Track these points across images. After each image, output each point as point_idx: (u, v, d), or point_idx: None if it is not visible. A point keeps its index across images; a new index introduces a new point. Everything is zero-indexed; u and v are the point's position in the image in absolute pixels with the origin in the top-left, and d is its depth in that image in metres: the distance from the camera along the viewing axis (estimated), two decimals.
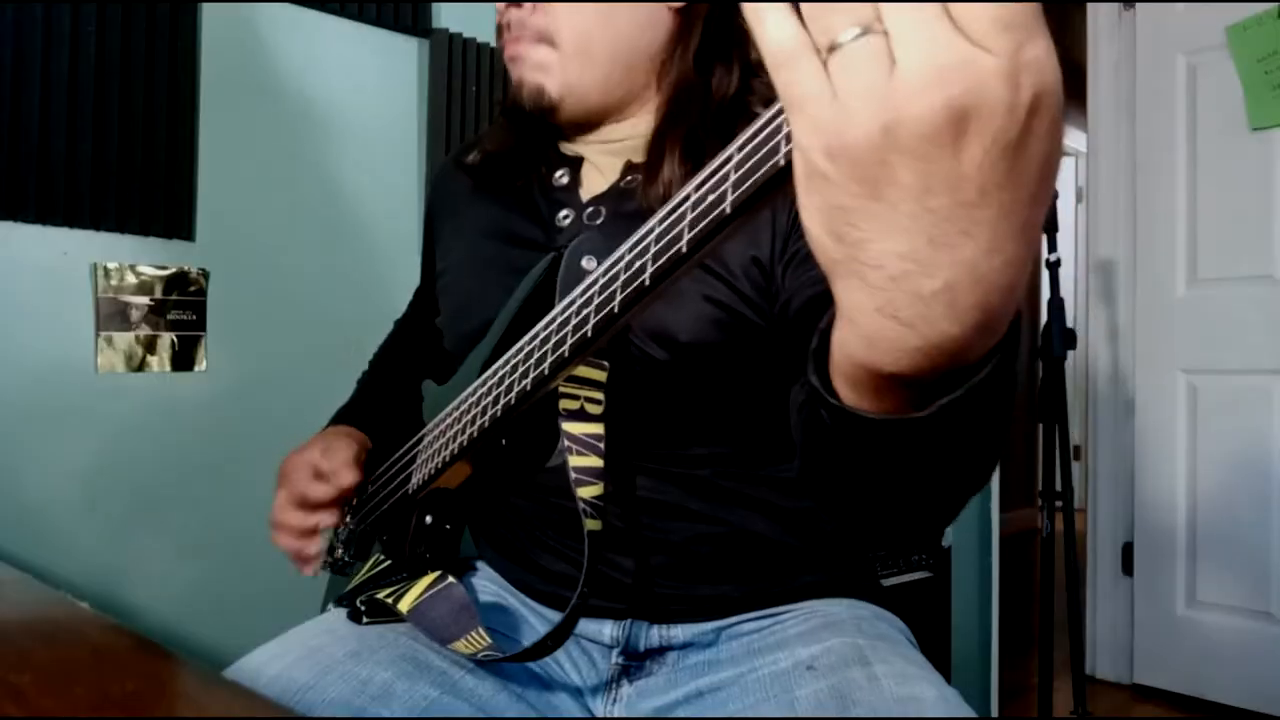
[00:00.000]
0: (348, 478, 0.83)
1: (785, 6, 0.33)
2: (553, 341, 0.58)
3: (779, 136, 0.38)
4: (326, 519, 0.85)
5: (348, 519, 0.86)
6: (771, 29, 0.33)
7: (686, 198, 0.45)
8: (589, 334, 0.53)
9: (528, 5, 0.75)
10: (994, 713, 2.19)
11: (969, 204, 0.31)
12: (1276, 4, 2.23)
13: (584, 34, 0.74)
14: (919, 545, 1.83)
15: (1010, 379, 0.40)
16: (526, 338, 0.62)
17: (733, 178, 0.41)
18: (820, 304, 0.61)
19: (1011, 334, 0.38)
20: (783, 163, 0.38)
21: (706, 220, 0.43)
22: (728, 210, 0.42)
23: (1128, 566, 2.56)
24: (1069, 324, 1.92)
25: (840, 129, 0.32)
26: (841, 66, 0.31)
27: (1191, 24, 2.41)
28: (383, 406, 0.96)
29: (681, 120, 0.75)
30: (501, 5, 0.77)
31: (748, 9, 0.34)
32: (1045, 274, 1.96)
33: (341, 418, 0.95)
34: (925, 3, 0.30)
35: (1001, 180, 0.31)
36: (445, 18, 1.69)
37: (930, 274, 0.33)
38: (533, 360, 0.60)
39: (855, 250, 0.34)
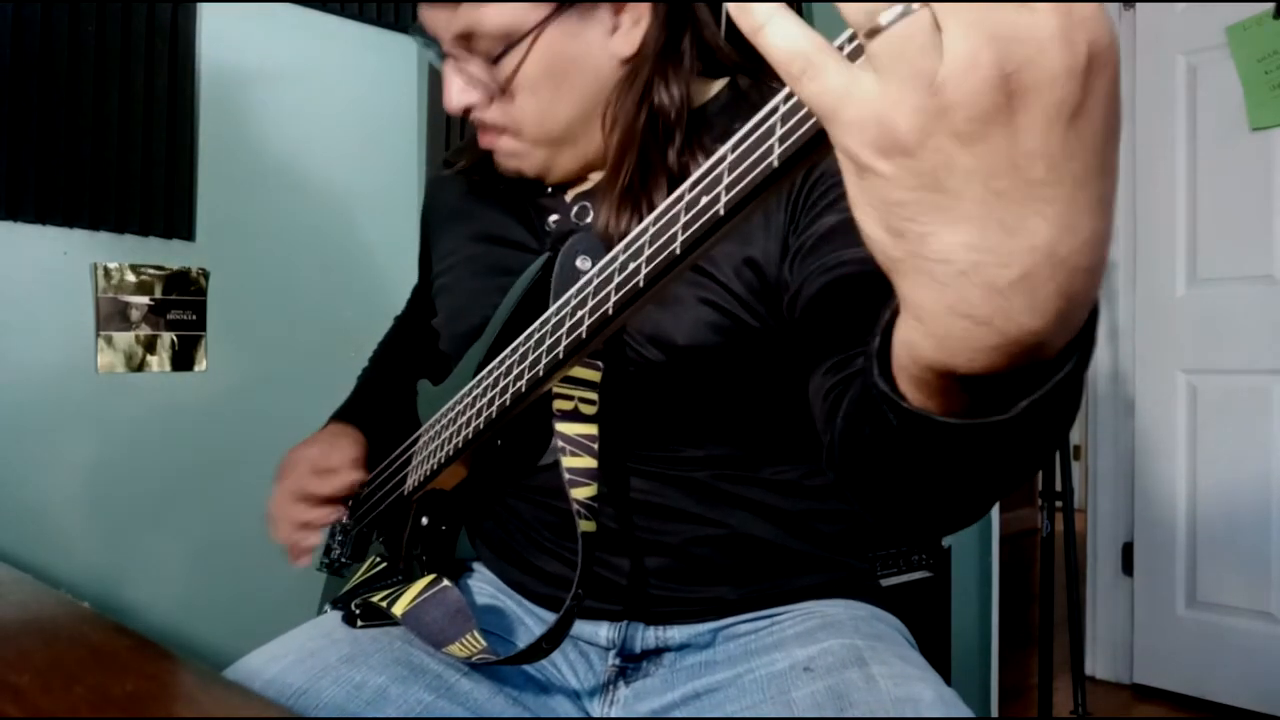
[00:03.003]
0: (352, 475, 0.83)
1: (786, 12, 0.31)
2: (547, 343, 0.58)
3: (772, 139, 0.38)
4: (330, 515, 0.85)
5: (345, 519, 0.86)
6: (780, 39, 0.31)
7: (680, 198, 0.45)
8: (583, 335, 0.53)
9: (486, 104, 0.73)
10: (994, 713, 2.19)
11: (1037, 182, 0.29)
12: (1277, 4, 2.23)
13: (539, 120, 0.73)
14: (919, 545, 1.83)
15: (1084, 371, 0.37)
16: (521, 338, 0.62)
17: (726, 179, 0.41)
18: (833, 291, 0.61)
19: (1089, 323, 0.35)
20: (776, 164, 0.38)
21: (700, 222, 0.43)
22: (721, 212, 0.42)
23: (1128, 566, 2.56)
24: None
25: (888, 121, 0.30)
26: (884, 49, 0.29)
27: (1191, 24, 2.41)
28: (381, 406, 0.96)
29: (617, 176, 0.71)
30: (456, 109, 0.74)
31: (744, 24, 0.32)
32: None
33: (340, 417, 0.95)
34: None
35: (1071, 151, 0.29)
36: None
37: (1005, 264, 0.30)
38: (527, 361, 0.60)
39: (918, 246, 0.31)
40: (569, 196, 0.80)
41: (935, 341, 0.34)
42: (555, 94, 0.72)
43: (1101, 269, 0.32)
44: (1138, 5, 2.53)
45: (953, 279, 0.31)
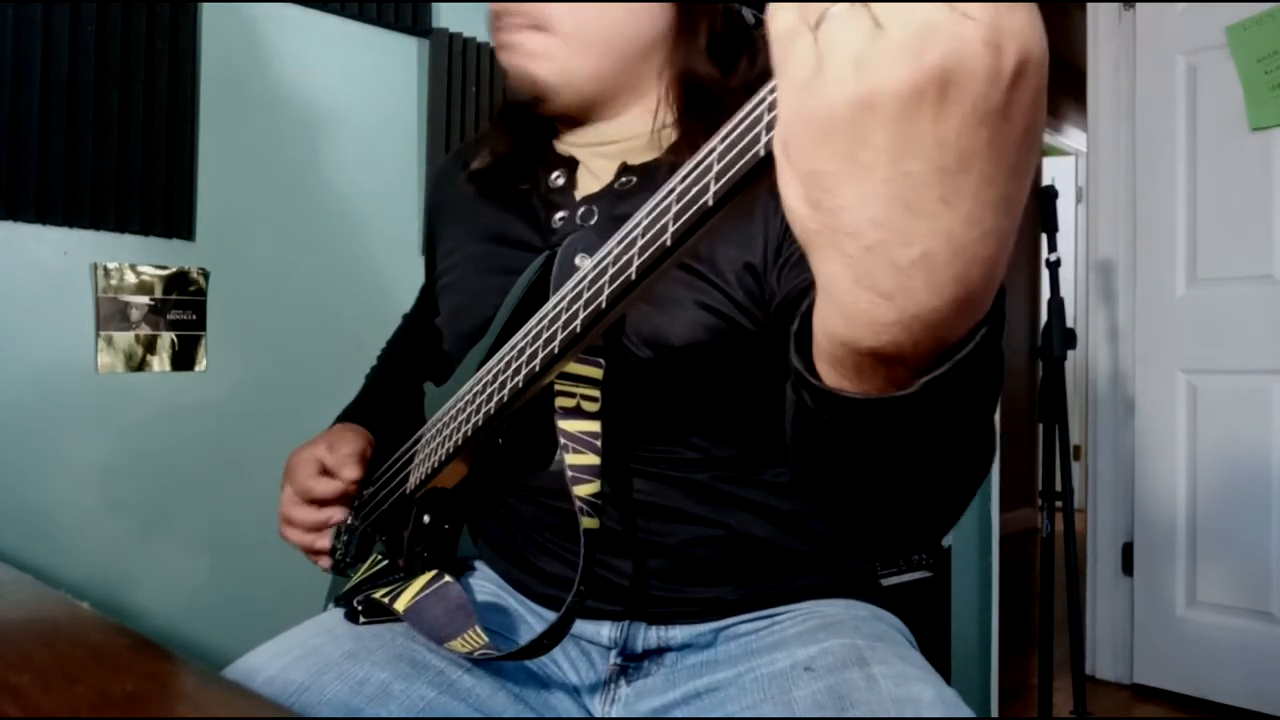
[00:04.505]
0: (351, 472, 0.83)
1: (793, 4, 0.33)
2: (544, 338, 0.58)
3: (759, 127, 0.38)
4: (335, 515, 0.85)
5: (351, 518, 0.86)
6: (777, 20, 0.34)
7: (672, 190, 0.45)
8: (578, 330, 0.53)
9: None
10: (994, 713, 2.19)
11: (948, 171, 0.31)
12: (1276, 4, 2.23)
13: (581, 20, 0.73)
14: (919, 545, 1.83)
15: (996, 359, 0.39)
16: (519, 335, 0.62)
17: (715, 169, 0.41)
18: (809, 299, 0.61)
19: (996, 312, 0.37)
20: (763, 153, 0.38)
21: (690, 213, 0.43)
22: (710, 202, 0.41)
23: (1128, 566, 2.56)
24: (1069, 324, 1.92)
25: (819, 90, 0.31)
26: (826, 31, 0.31)
27: (1191, 24, 2.41)
28: (387, 406, 0.96)
29: (699, 115, 0.74)
30: None
31: (768, 11, 0.34)
32: (1045, 274, 1.96)
33: (347, 416, 0.95)
34: None
35: (982, 148, 0.31)
36: (445, 18, 1.69)
37: (907, 242, 0.32)
38: (524, 357, 0.60)
39: (831, 218, 0.33)
40: (578, 195, 0.80)
41: (844, 316, 0.36)
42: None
43: (1001, 261, 0.34)
44: (1138, 5, 2.53)
45: (860, 254, 0.33)
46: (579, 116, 0.79)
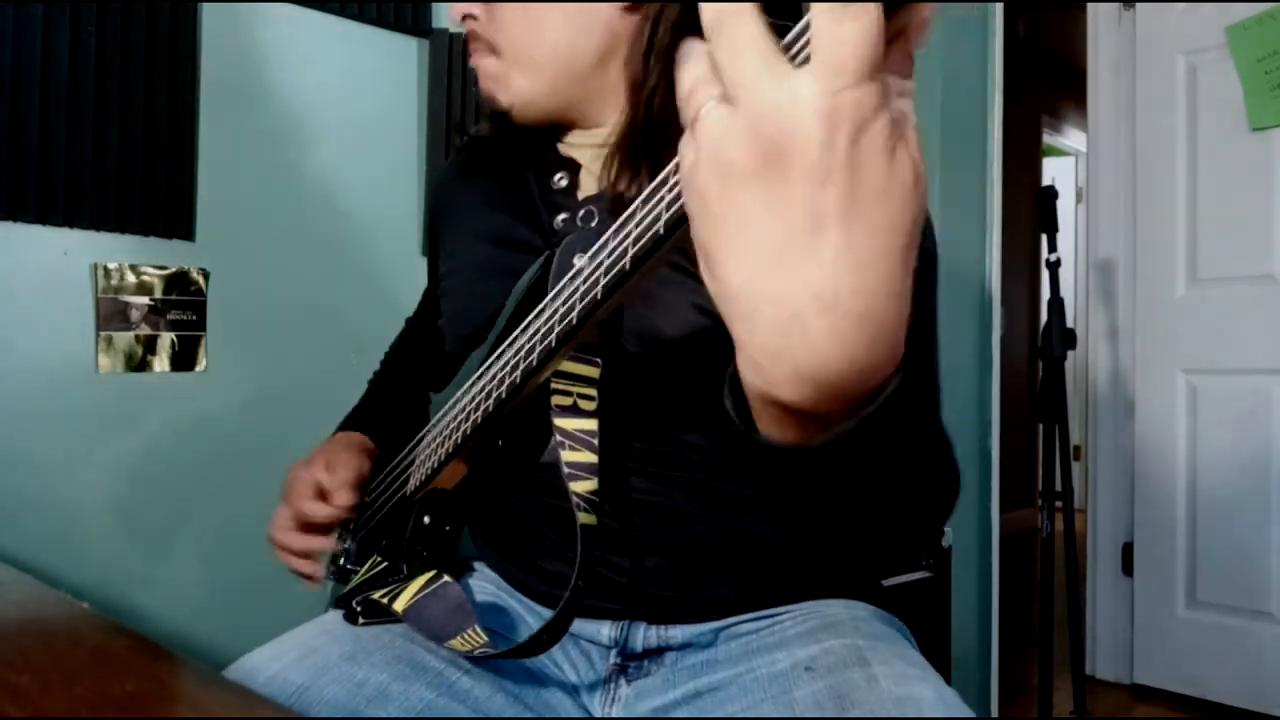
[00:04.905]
0: (345, 499, 0.83)
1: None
2: (540, 333, 0.58)
3: None
4: (324, 544, 0.84)
5: (345, 542, 0.86)
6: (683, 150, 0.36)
7: (665, 180, 0.45)
8: (574, 322, 0.54)
9: (483, 18, 0.77)
10: (994, 713, 2.19)
11: (803, 231, 0.33)
12: (1277, 4, 2.23)
13: (518, 43, 0.76)
14: (919, 545, 1.83)
15: (914, 418, 0.41)
16: (517, 333, 0.62)
17: None
18: None
19: (908, 372, 0.38)
20: None
21: (681, 201, 0.43)
22: None
23: (1128, 566, 2.56)
24: (1069, 324, 1.92)
25: (695, 176, 0.35)
26: (697, 127, 0.35)
27: (1191, 24, 2.41)
28: (390, 409, 0.96)
29: (626, 131, 0.75)
30: (456, 17, 0.79)
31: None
32: (1045, 274, 1.96)
33: (350, 422, 0.95)
34: (753, 53, 0.32)
35: (838, 209, 0.32)
36: (445, 18, 1.69)
37: (778, 302, 0.34)
38: (522, 353, 0.60)
39: (722, 285, 0.36)
40: (580, 196, 0.80)
41: (752, 371, 0.37)
42: (544, 14, 0.74)
43: (888, 319, 0.34)
44: (1138, 5, 2.53)
45: (745, 316, 0.35)
46: (550, 125, 0.80)
